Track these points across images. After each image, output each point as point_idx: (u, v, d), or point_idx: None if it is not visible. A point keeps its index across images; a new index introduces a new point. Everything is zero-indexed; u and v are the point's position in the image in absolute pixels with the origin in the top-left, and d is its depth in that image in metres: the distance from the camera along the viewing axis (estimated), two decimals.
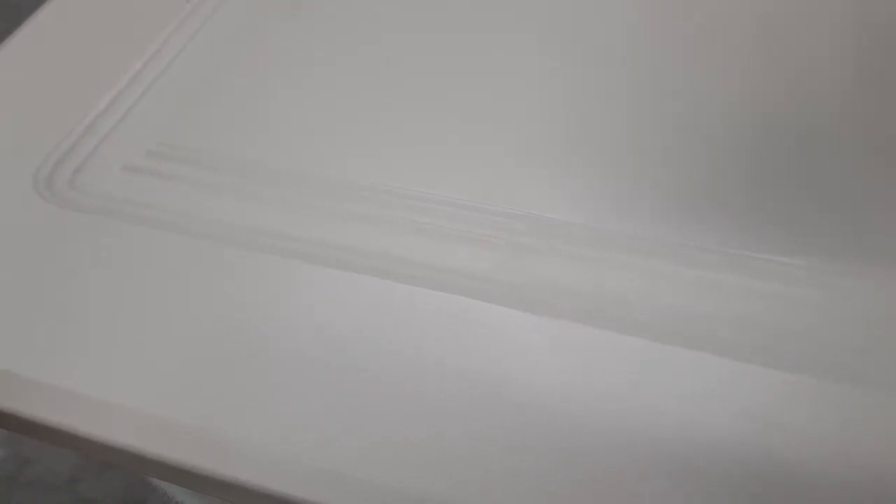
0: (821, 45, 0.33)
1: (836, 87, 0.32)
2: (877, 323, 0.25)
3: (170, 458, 0.24)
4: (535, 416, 0.24)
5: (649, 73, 0.33)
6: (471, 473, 0.23)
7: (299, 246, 0.29)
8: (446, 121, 0.32)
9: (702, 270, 0.27)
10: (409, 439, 0.24)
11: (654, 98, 0.32)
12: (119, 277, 0.28)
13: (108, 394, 0.26)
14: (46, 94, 0.35)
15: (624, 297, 0.26)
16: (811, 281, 0.26)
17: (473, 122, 0.32)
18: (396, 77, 0.34)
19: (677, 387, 0.24)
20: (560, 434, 0.23)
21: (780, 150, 0.30)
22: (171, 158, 0.32)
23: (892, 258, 0.26)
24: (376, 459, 0.23)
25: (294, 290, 0.27)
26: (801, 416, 0.23)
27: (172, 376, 0.26)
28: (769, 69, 0.33)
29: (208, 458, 0.24)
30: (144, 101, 0.34)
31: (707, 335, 0.25)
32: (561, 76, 0.34)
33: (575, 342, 0.25)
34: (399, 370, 0.25)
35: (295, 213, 0.29)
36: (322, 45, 0.36)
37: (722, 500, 0.22)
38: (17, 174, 0.32)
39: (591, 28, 0.35)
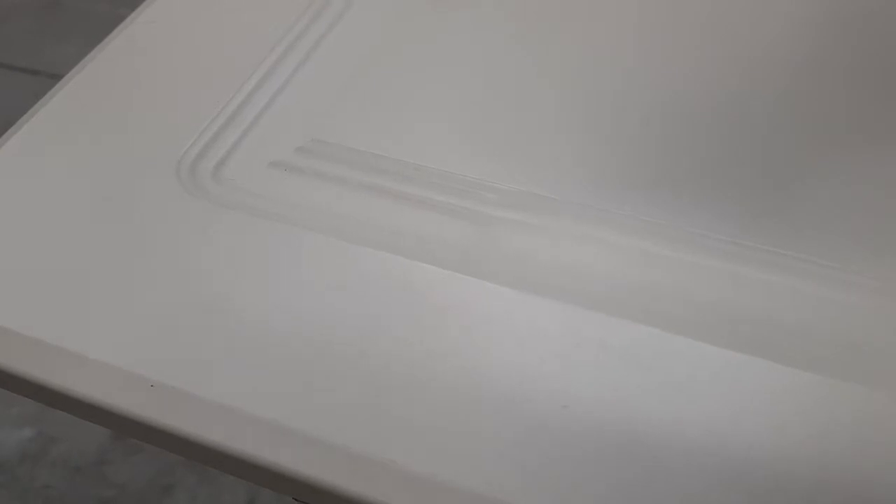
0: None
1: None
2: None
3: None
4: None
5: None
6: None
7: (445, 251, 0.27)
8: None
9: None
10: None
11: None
12: (259, 281, 0.27)
13: (235, 400, 0.25)
14: (184, 77, 0.33)
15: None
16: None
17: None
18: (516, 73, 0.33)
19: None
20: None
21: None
22: (323, 157, 0.30)
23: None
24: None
25: (421, 290, 0.26)
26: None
27: (304, 380, 0.25)
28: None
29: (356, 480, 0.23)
30: (287, 93, 0.32)
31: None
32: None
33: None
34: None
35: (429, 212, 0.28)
36: (464, 41, 0.34)
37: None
38: (161, 162, 0.30)
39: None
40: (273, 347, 0.25)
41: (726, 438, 0.22)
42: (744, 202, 0.28)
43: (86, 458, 0.81)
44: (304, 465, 0.23)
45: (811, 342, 0.24)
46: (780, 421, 0.23)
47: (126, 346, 0.26)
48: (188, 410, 0.25)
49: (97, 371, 0.26)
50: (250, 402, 0.24)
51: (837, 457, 0.22)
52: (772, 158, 0.29)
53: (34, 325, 0.27)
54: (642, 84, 0.32)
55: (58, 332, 0.26)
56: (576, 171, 0.29)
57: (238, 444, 0.23)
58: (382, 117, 0.31)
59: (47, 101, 0.32)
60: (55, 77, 1.06)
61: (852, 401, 0.23)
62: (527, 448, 0.23)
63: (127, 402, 0.25)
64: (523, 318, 0.25)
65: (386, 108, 0.32)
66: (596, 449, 0.22)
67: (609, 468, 0.22)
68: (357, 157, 0.30)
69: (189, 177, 0.29)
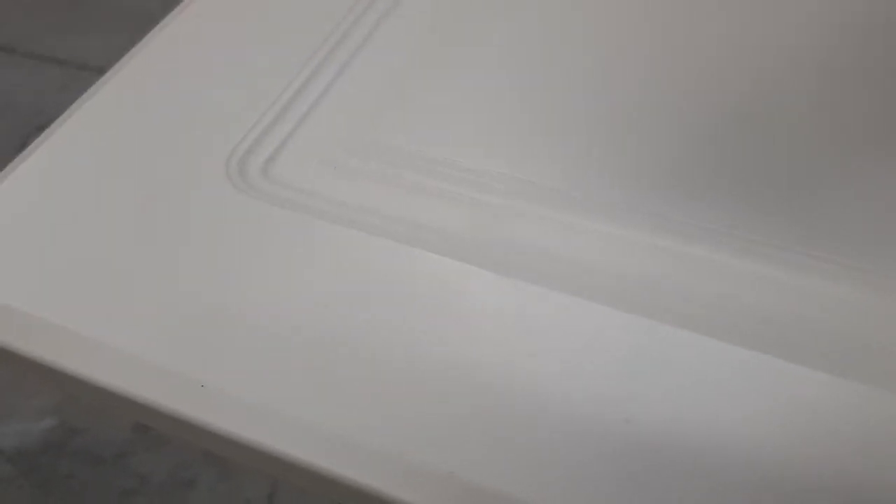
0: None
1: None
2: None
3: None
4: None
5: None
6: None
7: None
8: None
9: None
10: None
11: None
12: (315, 282, 0.26)
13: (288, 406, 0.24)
14: (232, 72, 0.32)
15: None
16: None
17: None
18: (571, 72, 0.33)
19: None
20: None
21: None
22: (374, 156, 0.29)
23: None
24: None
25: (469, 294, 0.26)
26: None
27: (344, 389, 0.24)
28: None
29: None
30: (337, 89, 0.31)
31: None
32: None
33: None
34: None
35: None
36: (513, 41, 0.34)
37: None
38: (210, 158, 0.29)
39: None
40: (320, 348, 0.25)
41: (732, 437, 0.22)
42: (760, 202, 0.27)
43: (108, 450, 0.81)
44: (361, 475, 0.23)
45: (822, 341, 0.24)
46: (788, 420, 0.22)
47: (172, 345, 0.26)
48: (238, 412, 0.24)
49: (143, 369, 0.25)
50: (299, 405, 0.24)
51: (845, 458, 0.22)
52: (791, 159, 0.29)
53: (75, 319, 0.26)
54: (665, 86, 0.31)
55: (100, 328, 0.26)
56: (602, 171, 0.29)
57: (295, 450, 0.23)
58: (435, 117, 0.31)
59: (93, 95, 0.32)
60: (83, 67, 1.06)
61: (861, 401, 0.23)
62: (532, 444, 0.23)
63: (177, 402, 0.25)
64: (550, 315, 0.25)
65: (438, 108, 0.31)
66: (599, 446, 0.22)
67: (612, 465, 0.22)
68: (408, 157, 0.29)
69: (238, 174, 0.29)
